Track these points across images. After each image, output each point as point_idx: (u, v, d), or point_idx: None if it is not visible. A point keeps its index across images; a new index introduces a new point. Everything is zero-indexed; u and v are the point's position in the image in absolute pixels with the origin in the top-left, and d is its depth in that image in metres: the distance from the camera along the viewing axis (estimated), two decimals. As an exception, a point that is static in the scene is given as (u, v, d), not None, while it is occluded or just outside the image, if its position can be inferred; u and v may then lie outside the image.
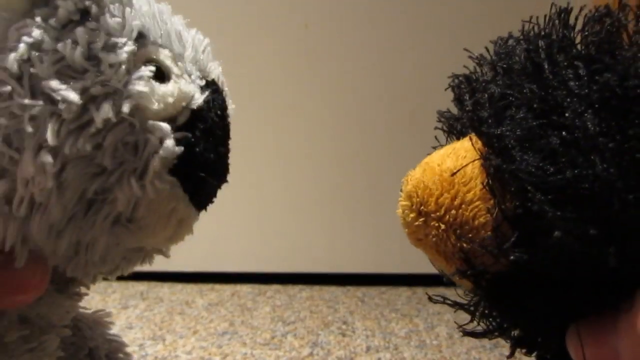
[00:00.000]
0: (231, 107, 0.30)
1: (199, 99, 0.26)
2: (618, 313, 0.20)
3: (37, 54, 0.21)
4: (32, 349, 0.26)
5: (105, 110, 0.21)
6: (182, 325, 0.81)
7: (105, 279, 0.28)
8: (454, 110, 0.28)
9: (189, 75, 0.26)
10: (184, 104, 0.25)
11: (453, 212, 0.23)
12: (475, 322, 0.25)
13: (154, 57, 0.25)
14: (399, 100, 0.97)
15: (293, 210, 1.01)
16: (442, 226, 0.24)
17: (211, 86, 0.27)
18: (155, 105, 0.23)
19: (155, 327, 0.80)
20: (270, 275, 1.02)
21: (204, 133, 0.25)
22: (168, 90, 0.24)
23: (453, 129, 0.29)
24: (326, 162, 0.99)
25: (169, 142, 0.23)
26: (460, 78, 0.28)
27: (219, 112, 0.27)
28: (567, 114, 0.20)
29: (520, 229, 0.21)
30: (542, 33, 0.25)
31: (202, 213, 0.28)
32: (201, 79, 0.27)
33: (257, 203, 1.00)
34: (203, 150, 0.25)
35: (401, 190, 0.27)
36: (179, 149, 0.24)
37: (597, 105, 0.20)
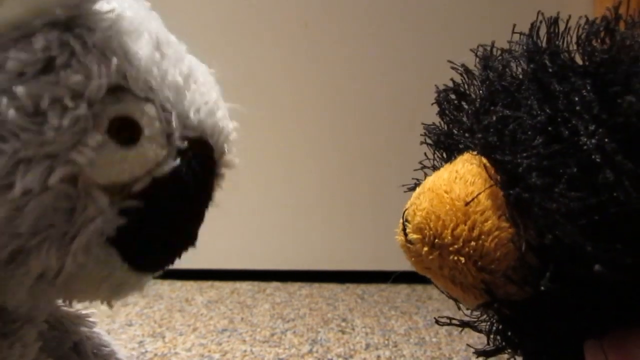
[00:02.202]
0: (233, 160, 0.27)
1: (165, 167, 0.23)
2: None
3: None
4: (5, 335, 0.25)
5: (33, 177, 0.19)
6: (182, 323, 0.81)
7: None
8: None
9: (168, 137, 0.23)
10: (144, 171, 0.22)
11: (472, 243, 0.22)
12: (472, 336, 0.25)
13: (128, 114, 0.22)
14: (398, 98, 0.97)
15: (292, 207, 1.01)
16: (462, 259, 0.23)
17: (196, 150, 0.24)
18: (108, 171, 0.21)
19: (154, 325, 0.80)
20: (269, 273, 1.02)
21: (164, 204, 0.23)
22: (129, 154, 0.22)
23: (440, 144, 0.28)
24: (325, 160, 0.99)
25: (108, 214, 0.21)
26: (449, 92, 0.27)
27: (191, 181, 0.24)
28: (583, 137, 0.19)
29: (548, 258, 0.20)
30: (544, 48, 0.24)
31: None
32: (183, 140, 0.24)
33: (256, 201, 1.00)
34: (156, 223, 0.23)
35: (405, 219, 0.26)
36: (121, 221, 0.22)
37: (618, 130, 0.19)
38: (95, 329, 0.35)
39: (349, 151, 0.99)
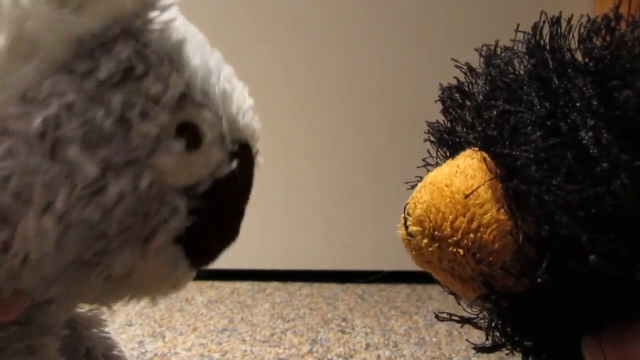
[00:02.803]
0: (258, 166, 0.28)
1: (224, 168, 0.24)
2: (638, 323, 0.20)
3: (66, 115, 0.19)
4: (28, 346, 0.26)
5: (123, 183, 0.20)
6: (182, 322, 0.81)
7: None
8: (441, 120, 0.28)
9: (223, 141, 0.24)
10: (207, 172, 0.23)
11: (471, 235, 0.23)
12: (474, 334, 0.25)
13: (192, 120, 0.23)
14: (399, 98, 0.97)
15: (292, 207, 1.01)
16: (460, 251, 0.23)
17: (242, 152, 0.26)
18: (177, 174, 0.22)
19: (155, 324, 0.80)
20: (269, 273, 1.02)
21: (221, 203, 0.24)
22: (196, 158, 0.23)
23: (444, 141, 0.28)
24: (325, 160, 0.99)
25: (181, 214, 0.22)
26: (453, 90, 0.27)
27: (243, 181, 0.26)
28: (582, 132, 0.20)
29: (545, 250, 0.20)
30: (546, 45, 0.24)
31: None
32: (234, 143, 0.25)
33: (256, 200, 1.00)
34: (215, 221, 0.24)
35: (406, 213, 0.26)
36: (190, 220, 0.22)
37: (616, 123, 0.19)
38: (106, 331, 0.35)
39: (349, 151, 0.99)
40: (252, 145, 0.27)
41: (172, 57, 0.22)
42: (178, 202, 0.22)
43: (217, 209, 0.24)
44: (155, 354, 0.70)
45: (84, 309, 0.34)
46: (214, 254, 0.26)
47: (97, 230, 0.21)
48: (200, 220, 0.23)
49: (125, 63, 0.21)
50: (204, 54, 0.25)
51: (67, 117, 0.19)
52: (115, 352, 0.35)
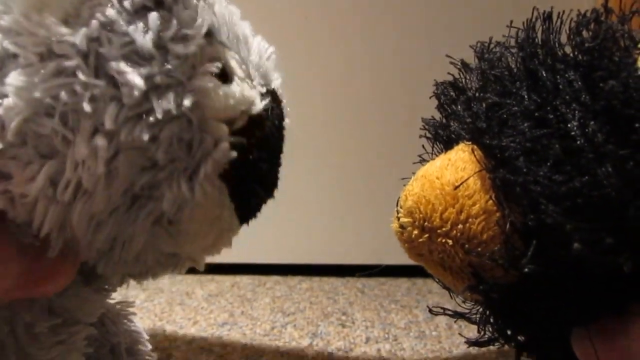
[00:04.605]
0: (287, 120, 0.28)
1: (258, 105, 0.24)
2: (628, 316, 0.20)
3: (107, 34, 0.20)
4: (61, 341, 0.26)
5: (168, 101, 0.20)
6: (182, 316, 0.81)
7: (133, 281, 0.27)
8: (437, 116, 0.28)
9: (251, 80, 0.25)
10: (243, 108, 0.24)
11: (460, 226, 0.23)
12: (471, 329, 0.25)
13: (220, 56, 0.23)
14: (399, 92, 0.96)
15: (293, 201, 1.01)
16: (450, 241, 0.23)
17: (271, 95, 0.26)
18: (216, 104, 0.22)
19: (155, 318, 0.80)
20: (270, 266, 1.02)
21: (259, 141, 0.24)
22: (230, 91, 0.23)
23: (439, 137, 0.28)
24: (325, 153, 0.99)
25: (224, 145, 0.22)
26: (445, 85, 0.27)
27: (276, 122, 0.26)
28: (569, 123, 0.20)
29: (532, 240, 0.20)
30: (536, 39, 0.24)
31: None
32: (262, 86, 0.26)
33: (256, 194, 1.00)
34: (256, 159, 0.24)
35: (399, 206, 0.26)
36: (233, 154, 0.23)
37: (601, 113, 0.20)
38: (133, 324, 0.35)
39: (349, 144, 0.99)
40: (278, 91, 0.28)
41: None
42: (220, 131, 0.22)
43: (255, 149, 0.24)
44: (156, 348, 0.70)
45: (114, 299, 0.34)
46: (256, 202, 0.26)
47: (146, 157, 0.21)
48: (240, 158, 0.23)
49: None
50: (222, 3, 0.25)
51: (108, 36, 0.20)
52: (139, 347, 0.36)
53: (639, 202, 0.18)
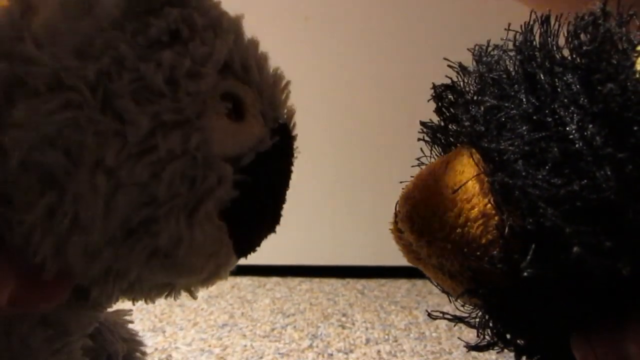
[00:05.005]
0: (297, 153, 0.28)
1: (267, 143, 0.24)
2: (627, 320, 0.20)
3: (117, 69, 0.20)
4: (57, 351, 0.25)
5: (173, 140, 0.20)
6: (182, 317, 0.81)
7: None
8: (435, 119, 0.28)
9: (264, 117, 0.25)
10: (251, 145, 0.23)
11: (458, 230, 0.23)
12: (471, 333, 0.25)
13: (234, 91, 0.23)
14: (399, 93, 0.97)
15: (293, 202, 1.01)
16: (449, 246, 0.23)
17: (282, 131, 0.26)
18: (224, 143, 0.22)
19: (155, 319, 0.80)
20: (270, 268, 1.02)
21: (263, 180, 0.24)
22: (240, 129, 0.23)
23: (437, 140, 0.28)
24: (326, 155, 0.99)
25: (228, 184, 0.22)
26: (444, 88, 0.27)
27: (284, 159, 0.26)
28: (568, 126, 0.20)
29: (531, 244, 0.20)
30: (534, 42, 0.24)
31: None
32: (274, 121, 0.25)
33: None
34: (259, 198, 0.24)
35: (397, 210, 0.26)
36: (235, 193, 0.22)
37: (600, 116, 0.19)
38: (131, 331, 0.35)
39: (349, 146, 0.99)
40: (290, 126, 0.27)
41: (215, 25, 0.23)
42: (224, 169, 0.22)
43: (260, 187, 0.24)
44: (156, 349, 0.70)
45: (112, 308, 0.34)
46: (255, 238, 0.26)
47: (146, 194, 0.20)
48: (243, 196, 0.23)
49: (173, 25, 0.21)
50: (239, 31, 0.25)
51: (118, 71, 0.20)
52: (136, 354, 0.36)
53: (638, 206, 0.18)
